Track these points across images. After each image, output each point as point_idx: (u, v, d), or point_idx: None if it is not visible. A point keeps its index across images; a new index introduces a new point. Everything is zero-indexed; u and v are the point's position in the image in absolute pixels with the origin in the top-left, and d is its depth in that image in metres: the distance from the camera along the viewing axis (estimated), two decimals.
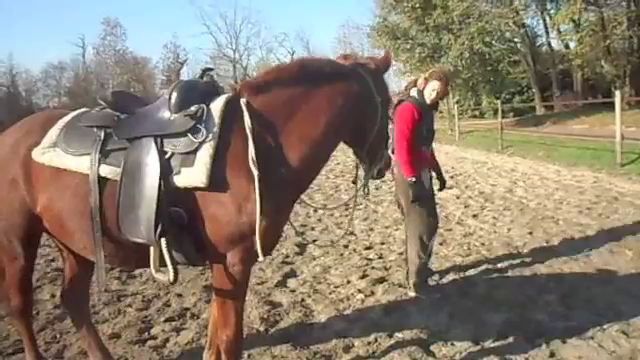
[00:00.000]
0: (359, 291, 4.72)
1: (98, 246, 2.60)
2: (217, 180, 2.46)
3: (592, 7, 26.77)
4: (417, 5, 27.57)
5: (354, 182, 3.24)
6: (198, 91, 2.70)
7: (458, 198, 9.17)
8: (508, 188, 9.95)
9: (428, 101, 4.58)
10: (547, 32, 34.31)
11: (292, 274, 5.29)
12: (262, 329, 4.00)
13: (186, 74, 64.62)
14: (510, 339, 3.69)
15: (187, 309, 4.44)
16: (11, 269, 2.97)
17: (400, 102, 4.66)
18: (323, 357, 3.55)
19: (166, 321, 4.21)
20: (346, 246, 6.30)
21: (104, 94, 2.86)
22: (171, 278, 2.54)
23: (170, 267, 2.52)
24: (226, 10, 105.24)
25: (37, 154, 2.71)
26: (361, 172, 3.15)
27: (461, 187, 10.34)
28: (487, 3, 28.91)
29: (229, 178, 2.49)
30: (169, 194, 2.47)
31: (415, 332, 3.85)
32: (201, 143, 2.48)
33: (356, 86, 2.80)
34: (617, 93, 12.67)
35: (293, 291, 4.81)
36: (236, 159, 2.51)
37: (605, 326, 3.81)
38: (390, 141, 3.34)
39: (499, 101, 20.54)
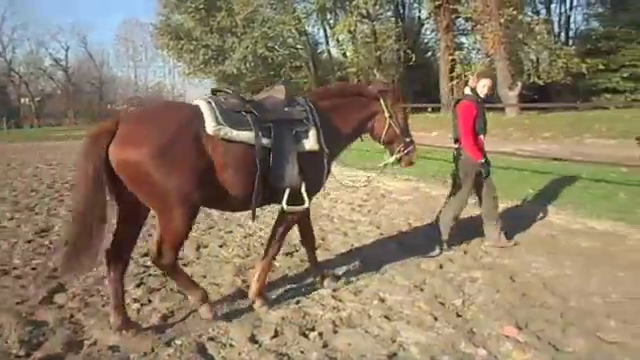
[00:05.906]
0: (135, 300, 4.51)
1: (257, 193, 3.90)
2: (320, 147, 4.21)
3: (366, 20, 29.36)
4: (201, 6, 27.42)
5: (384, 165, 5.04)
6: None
7: None
8: None
9: (482, 95, 5.68)
10: (327, 41, 36.65)
11: (60, 289, 4.79)
12: (22, 353, 3.59)
13: None
14: (286, 335, 3.82)
15: None
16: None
17: (459, 100, 5.83)
18: None
19: None
20: None
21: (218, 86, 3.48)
22: (306, 205, 4.13)
23: (307, 199, 4.09)
24: None
25: (212, 130, 3.69)
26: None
27: None
28: (271, 9, 29.86)
29: (322, 147, 4.22)
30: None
31: (193, 337, 3.79)
32: (310, 126, 4.16)
33: (372, 103, 4.69)
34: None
35: (61, 307, 4.40)
36: (318, 137, 4.19)
37: (371, 313, 4.18)
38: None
39: None
